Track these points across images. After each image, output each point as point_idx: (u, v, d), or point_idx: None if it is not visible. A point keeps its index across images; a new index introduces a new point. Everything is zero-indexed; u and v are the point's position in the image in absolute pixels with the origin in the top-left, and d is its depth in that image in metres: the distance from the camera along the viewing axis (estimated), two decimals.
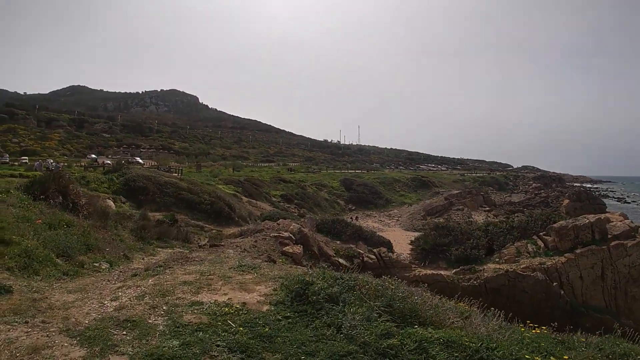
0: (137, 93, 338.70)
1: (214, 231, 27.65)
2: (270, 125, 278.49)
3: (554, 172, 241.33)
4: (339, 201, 70.38)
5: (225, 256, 12.04)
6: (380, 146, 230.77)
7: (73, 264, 11.15)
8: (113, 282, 9.76)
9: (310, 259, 16.62)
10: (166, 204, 30.44)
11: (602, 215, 24.58)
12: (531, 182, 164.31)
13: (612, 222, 23.99)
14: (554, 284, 20.20)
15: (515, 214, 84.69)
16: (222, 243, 15.64)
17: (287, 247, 15.76)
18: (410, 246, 25.56)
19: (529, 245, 23.85)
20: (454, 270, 21.51)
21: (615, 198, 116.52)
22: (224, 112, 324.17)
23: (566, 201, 65.76)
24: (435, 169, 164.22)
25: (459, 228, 26.09)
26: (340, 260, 19.65)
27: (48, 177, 18.33)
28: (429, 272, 21.22)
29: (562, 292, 20.10)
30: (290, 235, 17.43)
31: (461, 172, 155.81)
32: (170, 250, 16.50)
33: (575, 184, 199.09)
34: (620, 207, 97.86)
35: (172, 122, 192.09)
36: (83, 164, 57.12)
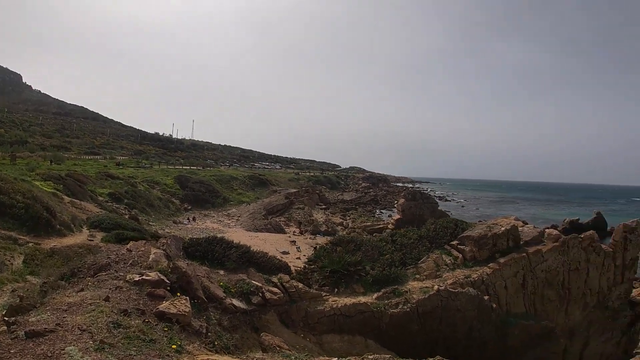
0: None
1: (30, 244, 21.31)
2: (98, 113, 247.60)
3: (379, 173, 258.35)
4: (173, 200, 64.84)
5: None
6: (214, 142, 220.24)
7: None
8: None
9: (194, 309, 10.16)
10: None
11: (513, 222, 23.22)
12: (361, 182, 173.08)
13: (520, 227, 23.23)
14: (486, 297, 18.09)
15: (350, 211, 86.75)
16: (48, 314, 8.02)
17: (165, 302, 9.34)
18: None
19: (444, 256, 21.19)
20: (376, 295, 17.17)
21: (437, 197, 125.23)
22: (49, 95, 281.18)
23: (402, 200, 67.47)
24: (270, 167, 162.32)
25: (368, 242, 21.33)
26: (235, 301, 13.45)
27: None
28: (348, 301, 16.43)
29: (494, 305, 18.30)
30: (160, 276, 10.20)
31: (295, 171, 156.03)
32: None
33: (398, 184, 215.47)
34: (444, 205, 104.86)
35: None
36: None
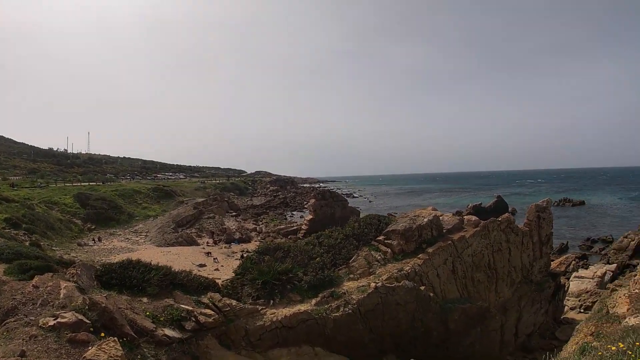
0: None
1: None
2: None
3: (286, 176, 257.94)
4: (75, 220, 60.20)
5: None
6: (112, 155, 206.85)
7: None
8: None
9: (125, 348, 8.51)
10: None
11: (433, 212, 24.04)
12: (268, 186, 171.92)
13: (440, 217, 23.89)
14: (422, 287, 18.19)
15: (261, 216, 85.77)
16: None
17: (92, 349, 7.97)
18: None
19: (373, 252, 21.03)
20: (314, 300, 16.47)
21: (345, 194, 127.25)
22: None
23: (312, 200, 67.97)
24: (173, 177, 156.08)
25: (296, 247, 20.55)
26: (167, 331, 11.94)
27: None
28: (287, 312, 15.55)
29: (432, 294, 18.52)
30: (78, 316, 8.64)
31: (201, 180, 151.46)
32: None
33: (305, 185, 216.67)
34: (353, 202, 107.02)
35: None
36: None
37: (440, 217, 23.38)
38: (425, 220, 21.97)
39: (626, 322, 9.14)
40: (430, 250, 20.46)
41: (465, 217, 24.37)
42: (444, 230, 22.19)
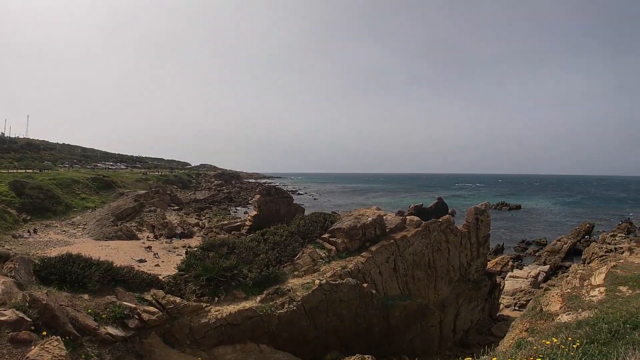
0: None
1: None
2: None
3: (231, 170, 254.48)
4: (10, 210, 56.26)
5: None
6: (51, 141, 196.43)
7: None
8: None
9: (68, 347, 8.49)
10: None
11: (377, 212, 24.94)
12: (213, 180, 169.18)
13: (383, 216, 24.65)
14: (365, 285, 18.79)
15: (204, 210, 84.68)
16: None
17: (35, 349, 7.88)
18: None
19: (318, 250, 21.56)
20: (259, 297, 16.59)
21: (290, 191, 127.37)
22: None
23: (257, 196, 67.97)
24: (114, 167, 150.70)
25: (241, 243, 20.65)
26: (110, 329, 11.78)
27: None
28: (232, 309, 15.54)
29: (374, 291, 19.15)
30: (18, 314, 8.50)
31: (143, 171, 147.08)
32: None
33: (251, 180, 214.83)
34: (298, 199, 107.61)
35: None
36: None
37: (384, 217, 24.18)
38: (370, 219, 22.66)
39: (559, 319, 9.90)
40: (373, 248, 21.12)
41: (407, 217, 25.31)
42: (387, 230, 22.95)
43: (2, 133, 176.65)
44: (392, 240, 21.83)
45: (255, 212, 62.06)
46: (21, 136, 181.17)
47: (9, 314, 8.56)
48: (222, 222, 64.71)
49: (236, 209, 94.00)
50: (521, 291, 31.61)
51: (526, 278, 33.37)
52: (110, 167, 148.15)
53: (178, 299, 14.97)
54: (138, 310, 13.39)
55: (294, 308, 16.06)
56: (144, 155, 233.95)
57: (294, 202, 70.65)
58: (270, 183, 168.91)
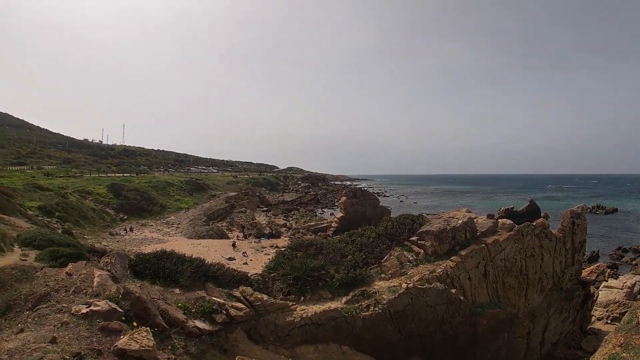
0: None
1: None
2: (23, 120, 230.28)
3: (317, 173, 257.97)
4: (108, 210, 60.74)
5: None
6: (146, 147, 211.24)
7: None
8: None
9: (156, 338, 8.86)
10: None
11: (468, 214, 23.49)
12: (300, 182, 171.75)
13: (474, 219, 23.39)
14: (453, 290, 17.87)
15: (292, 212, 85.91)
16: None
17: (124, 338, 7.98)
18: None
19: (405, 253, 20.82)
20: (345, 299, 16.33)
21: (375, 193, 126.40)
22: None
23: (343, 198, 67.39)
24: (206, 171, 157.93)
25: (329, 244, 20.66)
26: (198, 323, 12.06)
27: None
28: (317, 309, 15.41)
29: (462, 297, 18.16)
30: (111, 304, 8.74)
31: (233, 174, 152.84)
32: None
33: (337, 182, 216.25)
34: (384, 201, 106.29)
35: None
36: None
37: (475, 220, 22.96)
38: (460, 222, 21.61)
39: None
40: (463, 252, 20.10)
41: (499, 220, 23.87)
42: (478, 233, 21.79)
43: (100, 141, 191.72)
44: (483, 245, 20.65)
45: (341, 214, 62.03)
46: (118, 143, 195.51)
47: (102, 305, 8.92)
48: (309, 223, 65.32)
49: (322, 211, 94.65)
50: (615, 303, 28.72)
51: (621, 289, 30.28)
52: (202, 170, 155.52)
53: (265, 297, 15.10)
54: (226, 305, 13.65)
55: (379, 311, 15.61)
56: (233, 160, 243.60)
57: (379, 204, 69.88)
58: (356, 185, 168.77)
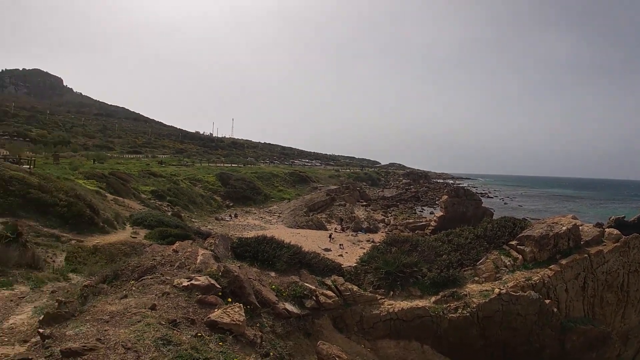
0: None
1: (73, 242, 21.25)
2: (139, 113, 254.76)
3: (419, 169, 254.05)
4: (215, 197, 65.32)
5: None
6: (253, 140, 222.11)
7: None
8: None
9: (246, 315, 9.57)
10: (11, 207, 21.94)
11: (573, 221, 21.81)
12: (401, 179, 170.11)
13: (580, 226, 21.78)
14: (547, 301, 16.97)
15: (391, 208, 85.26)
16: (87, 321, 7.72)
17: (217, 311, 8.66)
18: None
19: (503, 257, 19.98)
20: (434, 298, 16.25)
21: (479, 193, 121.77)
22: (89, 97, 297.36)
23: (445, 197, 65.87)
24: (310, 164, 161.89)
25: (424, 242, 20.56)
26: (287, 306, 12.89)
27: None
28: (405, 305, 15.52)
29: (555, 309, 17.20)
30: (210, 280, 9.64)
31: (335, 168, 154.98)
32: None
33: (439, 180, 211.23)
34: (487, 202, 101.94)
35: (30, 105, 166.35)
36: None
37: (580, 227, 21.40)
38: (564, 228, 20.28)
39: None
40: (563, 262, 18.99)
41: (606, 229, 22.19)
42: (582, 242, 20.36)
43: (210, 133, 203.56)
44: (586, 255, 19.38)
45: (441, 213, 60.86)
46: (227, 136, 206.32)
47: (202, 280, 9.82)
48: (407, 220, 64.89)
49: (422, 209, 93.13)
50: None
51: None
52: (306, 164, 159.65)
53: (355, 288, 15.56)
54: (317, 292, 14.29)
55: (467, 314, 15.37)
56: (336, 154, 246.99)
57: (482, 205, 67.48)
58: (459, 184, 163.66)
